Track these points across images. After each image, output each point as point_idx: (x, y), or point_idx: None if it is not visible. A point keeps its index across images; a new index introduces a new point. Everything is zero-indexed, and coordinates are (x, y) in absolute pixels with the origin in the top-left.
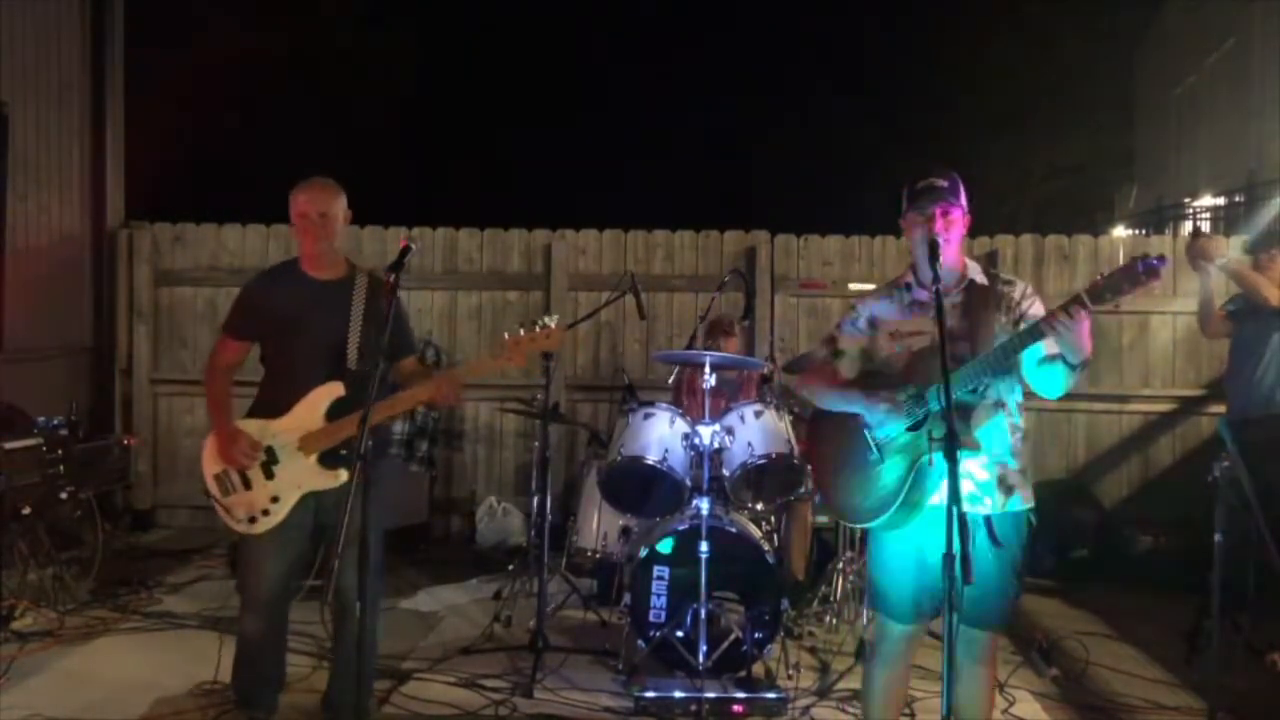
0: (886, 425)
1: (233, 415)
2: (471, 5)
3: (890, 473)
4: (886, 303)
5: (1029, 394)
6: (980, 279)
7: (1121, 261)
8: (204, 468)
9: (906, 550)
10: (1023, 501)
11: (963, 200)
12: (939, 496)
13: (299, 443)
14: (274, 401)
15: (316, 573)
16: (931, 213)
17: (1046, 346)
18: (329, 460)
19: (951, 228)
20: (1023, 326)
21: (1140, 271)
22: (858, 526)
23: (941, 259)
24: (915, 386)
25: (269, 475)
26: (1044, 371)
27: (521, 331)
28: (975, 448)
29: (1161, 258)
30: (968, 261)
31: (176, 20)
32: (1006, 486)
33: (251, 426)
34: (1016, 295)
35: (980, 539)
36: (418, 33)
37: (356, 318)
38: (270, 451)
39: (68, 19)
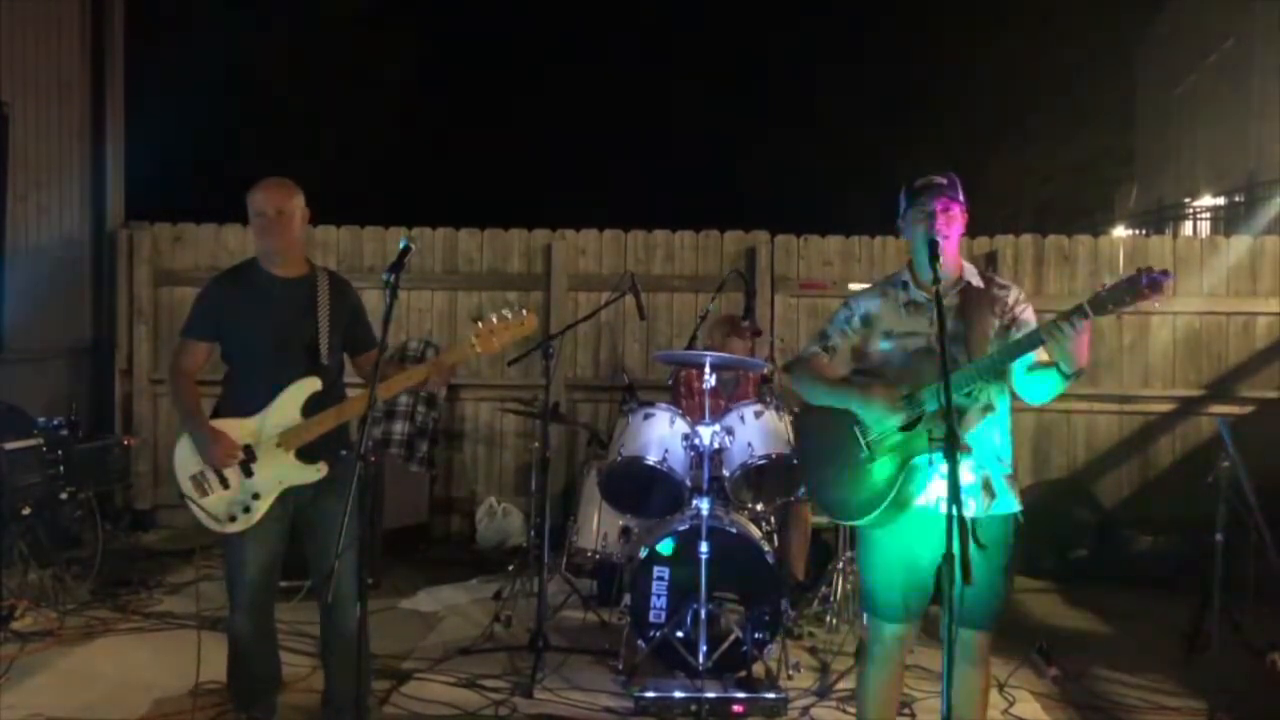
0: (881, 422)
1: (205, 415)
2: (471, 5)
3: (881, 471)
4: (881, 301)
5: (1015, 397)
6: (976, 281)
7: (1121, 263)
8: (178, 470)
9: (895, 549)
10: (1010, 504)
11: (961, 198)
12: (925, 497)
13: (278, 439)
14: (243, 399)
15: (299, 572)
16: (932, 208)
17: (1039, 353)
18: (307, 455)
19: (951, 224)
20: (1017, 332)
21: (1144, 284)
22: (843, 523)
23: (941, 259)
24: (909, 386)
25: (248, 473)
26: (1033, 377)
27: (495, 320)
28: (967, 450)
29: (1165, 272)
30: (964, 263)
31: (176, 19)
32: (992, 490)
33: (228, 426)
34: (1010, 300)
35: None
36: (417, 32)
37: (324, 314)
38: (248, 449)
39: (68, 18)
